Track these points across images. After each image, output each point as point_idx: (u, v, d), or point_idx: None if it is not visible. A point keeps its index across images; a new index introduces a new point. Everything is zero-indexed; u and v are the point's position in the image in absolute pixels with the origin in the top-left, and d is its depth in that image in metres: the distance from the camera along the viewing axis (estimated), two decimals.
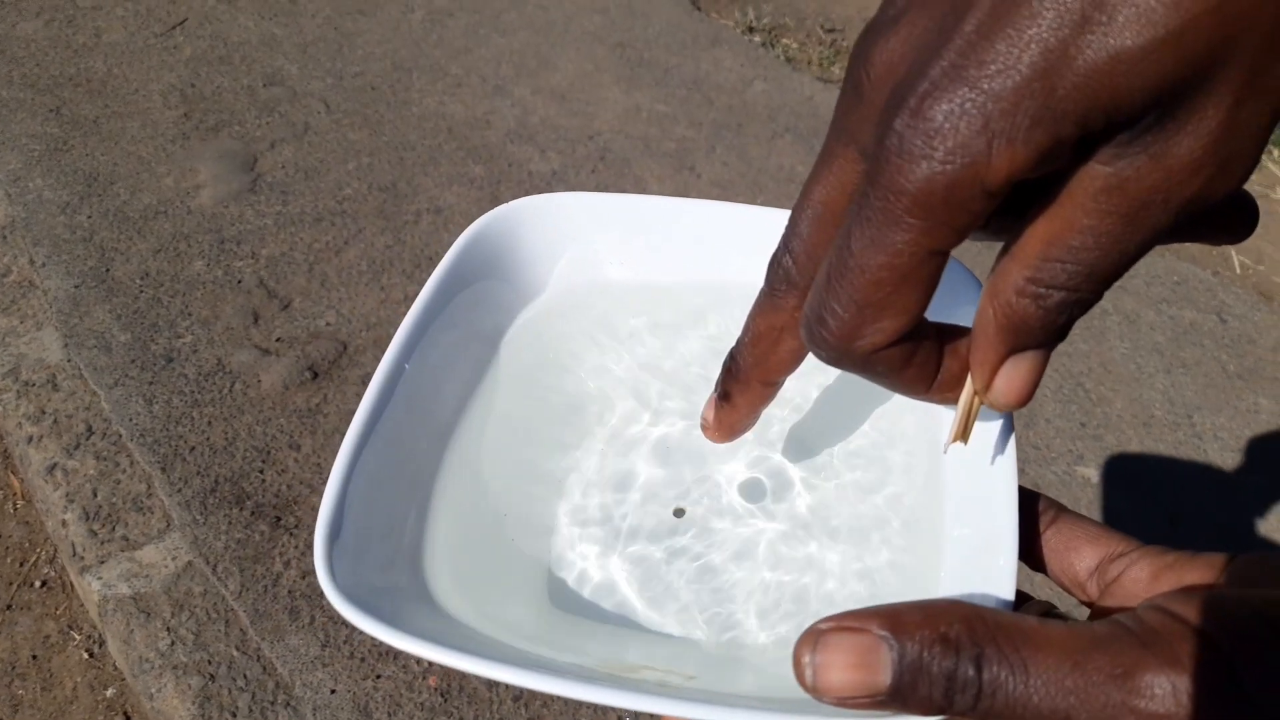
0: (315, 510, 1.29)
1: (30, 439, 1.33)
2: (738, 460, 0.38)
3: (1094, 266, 0.22)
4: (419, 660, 1.15)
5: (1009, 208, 0.23)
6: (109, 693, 1.18)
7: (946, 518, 0.33)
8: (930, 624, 0.23)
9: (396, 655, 1.15)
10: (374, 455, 0.33)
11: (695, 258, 0.41)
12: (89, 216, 1.66)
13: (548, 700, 1.13)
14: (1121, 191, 0.21)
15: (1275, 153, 2.27)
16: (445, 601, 0.32)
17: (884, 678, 0.23)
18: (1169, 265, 1.88)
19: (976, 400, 0.27)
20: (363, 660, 1.14)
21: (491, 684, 1.14)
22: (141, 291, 1.54)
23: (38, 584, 1.28)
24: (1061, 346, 1.65)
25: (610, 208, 0.42)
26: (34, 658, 1.21)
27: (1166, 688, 0.21)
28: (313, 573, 1.20)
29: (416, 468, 0.35)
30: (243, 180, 1.77)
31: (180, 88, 1.98)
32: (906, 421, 0.37)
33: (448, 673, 1.14)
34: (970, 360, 0.26)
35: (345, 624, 1.16)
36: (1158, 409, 1.59)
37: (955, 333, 0.27)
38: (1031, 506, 0.31)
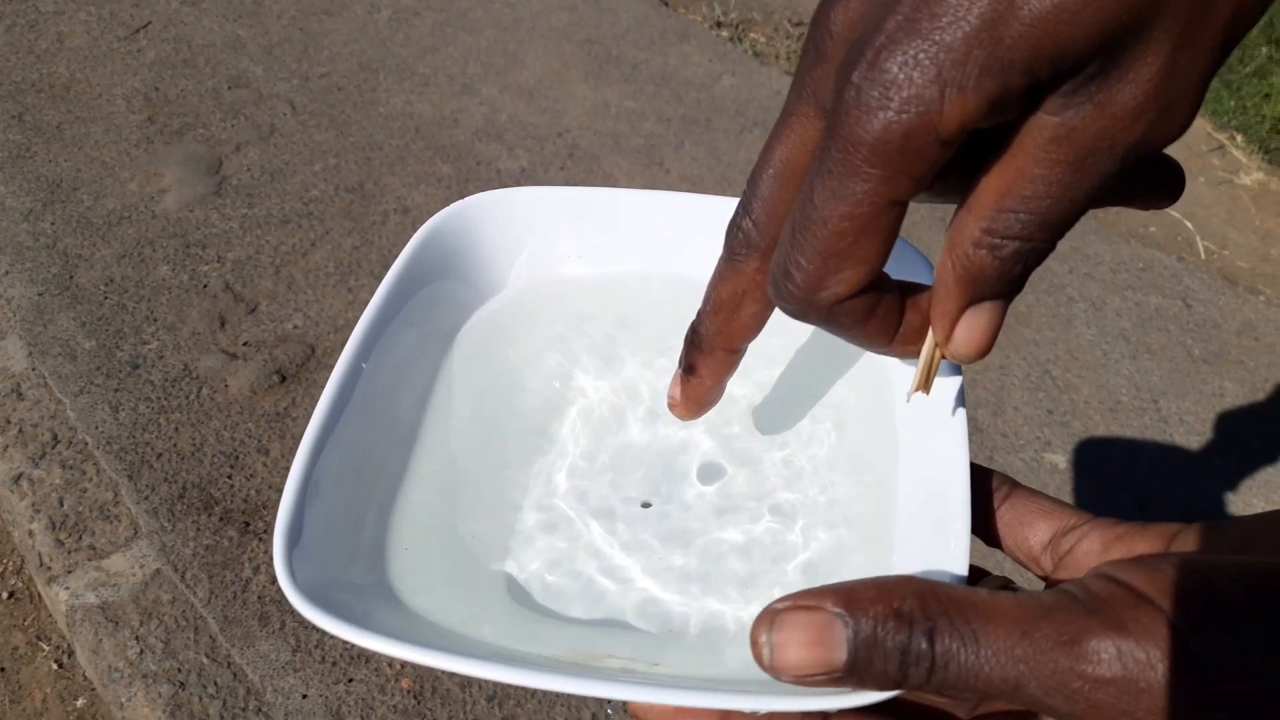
0: None
1: None
2: (698, 450, 0.39)
3: (1046, 215, 0.23)
4: (391, 663, 1.15)
5: (962, 169, 0.24)
6: (79, 703, 1.17)
7: (899, 497, 0.33)
8: (884, 600, 0.23)
9: (368, 659, 1.15)
10: (333, 455, 0.33)
11: (656, 250, 0.41)
12: (52, 223, 1.64)
13: (521, 700, 1.13)
14: (1069, 140, 0.22)
15: (1239, 138, 2.29)
16: (409, 599, 0.32)
17: (840, 654, 0.23)
18: (1134, 252, 1.90)
19: (938, 353, 0.27)
20: (334, 664, 1.14)
21: (465, 685, 1.14)
22: (106, 298, 1.52)
23: (5, 595, 1.27)
24: (1028, 334, 1.66)
25: (568, 201, 0.42)
26: (2, 669, 1.20)
27: (1112, 652, 0.22)
28: None
29: (376, 467, 0.35)
30: (208, 184, 1.76)
31: (144, 91, 1.96)
32: (857, 407, 0.38)
33: (420, 675, 1.14)
34: (931, 312, 0.26)
35: (316, 628, 1.16)
36: (1124, 394, 1.60)
37: (916, 288, 0.28)
38: (985, 483, 0.31)
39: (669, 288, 0.41)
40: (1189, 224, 2.03)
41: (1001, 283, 0.25)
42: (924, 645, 0.23)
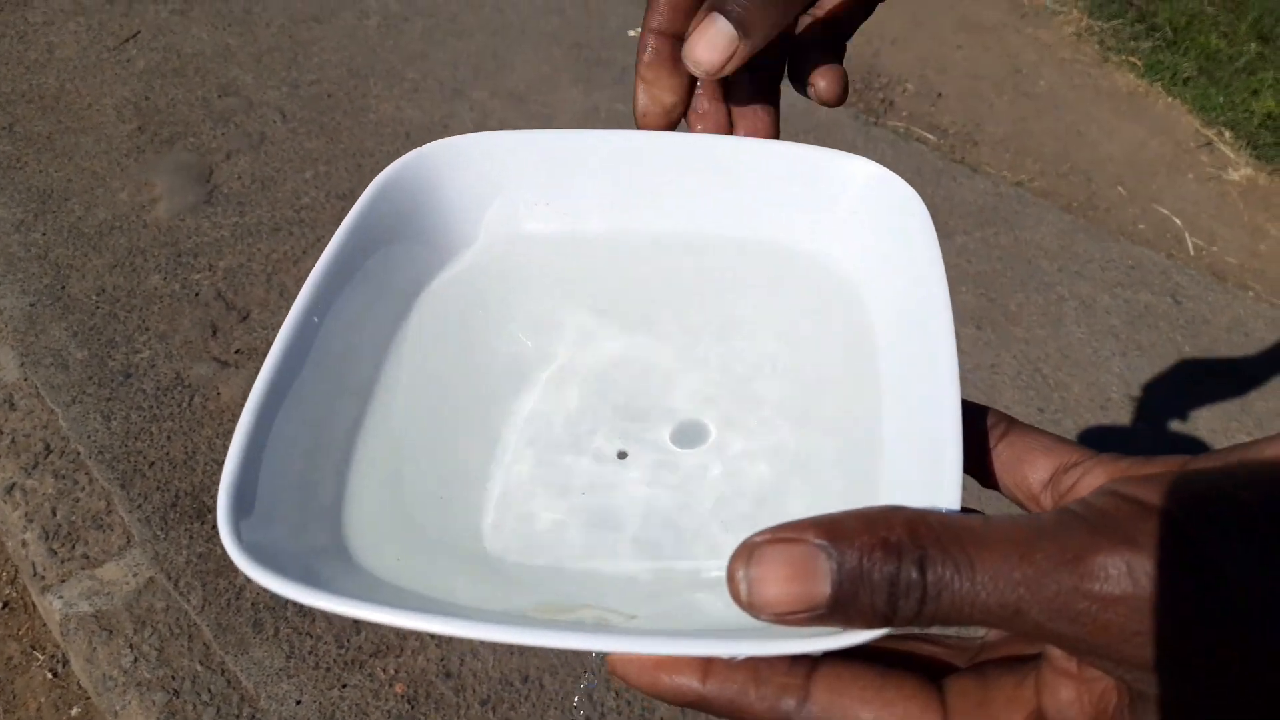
0: None
1: None
2: (674, 400, 0.37)
3: None
4: (384, 668, 1.15)
5: None
6: (74, 712, 1.18)
7: (885, 431, 0.32)
8: (870, 530, 0.22)
9: (362, 664, 1.15)
10: (283, 414, 0.31)
11: (632, 193, 0.40)
12: (43, 233, 1.64)
13: (515, 703, 1.14)
14: None
15: (1227, 134, 2.30)
16: (369, 563, 0.31)
17: (823, 588, 0.22)
18: (1123, 249, 1.90)
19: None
20: (328, 670, 1.14)
21: (458, 689, 1.14)
22: (98, 307, 1.53)
23: None
24: (1018, 333, 1.67)
25: (535, 145, 0.40)
26: None
27: (1121, 568, 0.20)
28: None
29: (332, 427, 0.34)
30: (199, 192, 1.77)
31: (134, 101, 1.97)
32: (835, 352, 0.37)
33: (414, 679, 1.14)
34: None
35: (310, 634, 1.16)
36: (1114, 392, 1.61)
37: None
38: (980, 421, 0.30)
39: (645, 240, 0.40)
40: (1178, 220, 2.04)
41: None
42: (914, 574, 0.21)
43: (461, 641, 1.17)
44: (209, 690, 1.11)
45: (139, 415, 1.38)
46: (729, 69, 0.35)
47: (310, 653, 1.15)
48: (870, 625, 0.22)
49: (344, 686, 1.13)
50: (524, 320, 0.40)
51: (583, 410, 0.37)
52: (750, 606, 0.22)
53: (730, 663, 0.26)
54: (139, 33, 2.17)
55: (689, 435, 0.37)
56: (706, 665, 0.26)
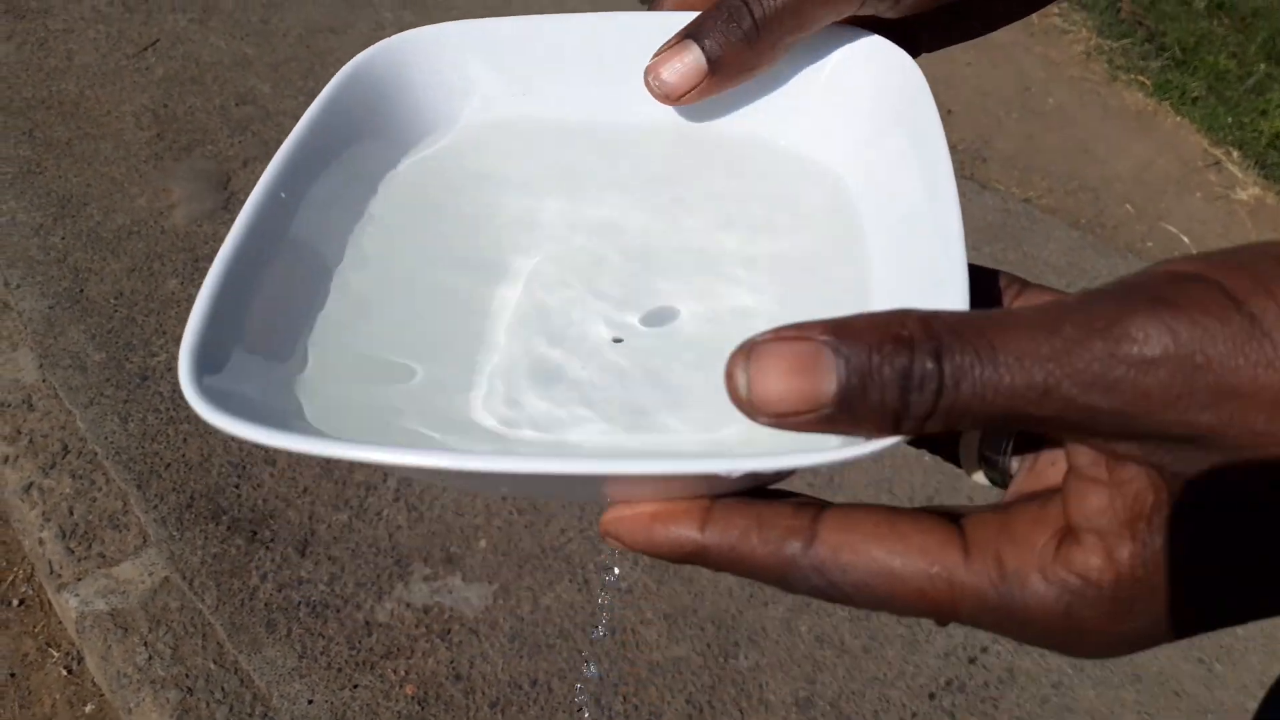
0: (291, 524, 1.31)
1: (6, 459, 1.34)
2: (655, 282, 0.36)
3: None
4: (395, 669, 1.16)
5: None
6: (88, 709, 1.19)
7: (878, 299, 0.31)
8: (881, 327, 0.20)
9: (373, 665, 1.16)
10: (250, 283, 0.30)
11: (613, 77, 0.38)
12: (62, 238, 1.67)
13: (524, 705, 1.15)
14: None
15: (1235, 153, 2.31)
16: (341, 430, 0.29)
17: (829, 385, 0.20)
18: (1131, 266, 1.92)
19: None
20: (340, 670, 1.15)
21: (468, 691, 1.15)
22: (115, 311, 1.55)
23: (15, 602, 1.29)
24: None
25: (510, 32, 0.39)
26: (12, 675, 1.22)
27: (1160, 328, 0.19)
28: (290, 585, 1.22)
29: (303, 301, 0.33)
30: (216, 199, 1.79)
31: (152, 108, 1.99)
32: (823, 226, 0.36)
33: (424, 681, 1.16)
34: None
35: (322, 635, 1.18)
36: None
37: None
38: (992, 283, 0.28)
39: (624, 127, 0.39)
40: (1186, 239, 2.05)
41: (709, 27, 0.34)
42: (929, 365, 0.19)
43: (472, 644, 1.19)
44: (222, 689, 1.12)
45: (155, 417, 1.40)
46: (688, 99, 0.34)
47: (322, 653, 1.16)
48: (880, 429, 0.21)
49: (355, 687, 1.14)
50: (503, 206, 0.38)
51: (566, 295, 0.36)
52: (749, 405, 0.21)
53: (728, 479, 0.24)
54: (158, 41, 2.19)
55: (672, 316, 0.35)
56: (705, 514, 0.24)
